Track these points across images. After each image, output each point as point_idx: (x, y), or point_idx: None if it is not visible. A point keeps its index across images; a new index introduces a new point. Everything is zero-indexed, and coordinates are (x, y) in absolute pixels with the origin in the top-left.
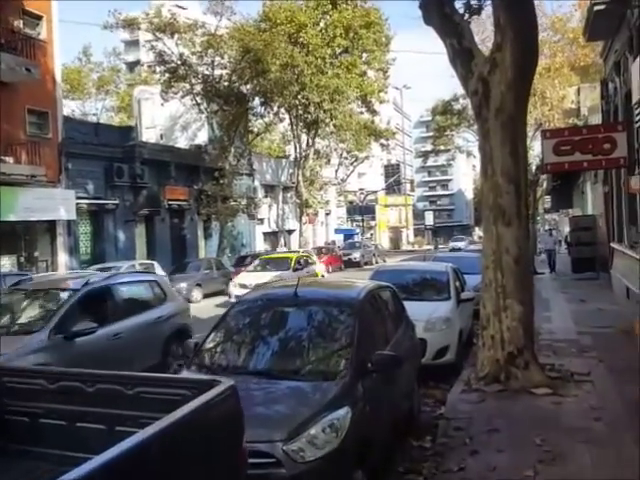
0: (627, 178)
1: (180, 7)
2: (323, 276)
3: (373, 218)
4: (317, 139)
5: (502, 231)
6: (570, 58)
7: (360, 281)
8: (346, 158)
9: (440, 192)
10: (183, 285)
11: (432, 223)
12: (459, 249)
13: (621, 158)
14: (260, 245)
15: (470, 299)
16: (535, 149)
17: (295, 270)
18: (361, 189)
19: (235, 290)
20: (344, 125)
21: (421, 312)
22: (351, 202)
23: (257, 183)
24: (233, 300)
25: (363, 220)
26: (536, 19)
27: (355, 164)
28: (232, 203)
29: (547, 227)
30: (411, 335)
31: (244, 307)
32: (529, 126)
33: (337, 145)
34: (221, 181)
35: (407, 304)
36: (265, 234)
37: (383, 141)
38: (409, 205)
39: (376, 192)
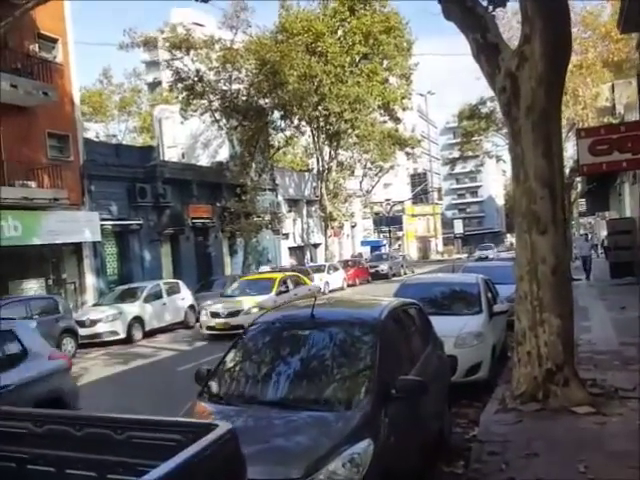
0: None
1: (197, 24)
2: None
3: (400, 229)
4: (340, 150)
5: (537, 239)
6: (603, 54)
7: (383, 298)
8: (370, 169)
9: (469, 199)
10: (209, 303)
11: (462, 231)
12: (486, 258)
13: None
14: (285, 260)
15: (503, 312)
16: (568, 150)
17: (279, 294)
18: (387, 200)
19: (207, 320)
20: (367, 135)
21: (451, 327)
22: (377, 213)
23: (280, 198)
24: (205, 332)
25: (390, 231)
26: (567, 6)
27: (380, 174)
28: (255, 219)
29: (582, 231)
30: (440, 354)
31: (257, 331)
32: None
33: (361, 156)
34: (243, 197)
35: (435, 319)
36: (290, 249)
37: (408, 150)
38: (437, 214)
39: (403, 202)
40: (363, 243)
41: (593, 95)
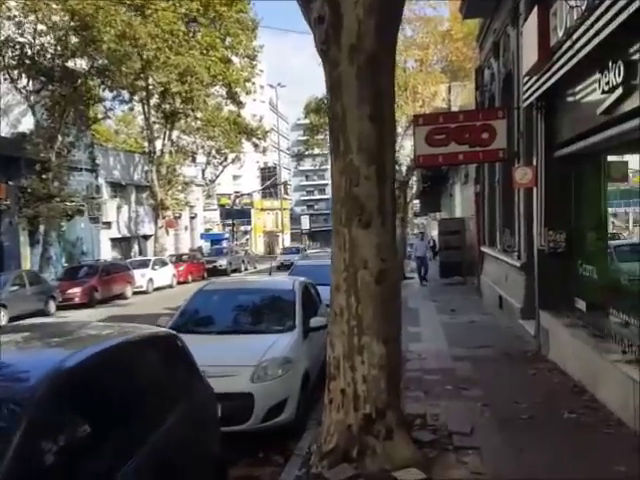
0: (512, 170)
1: None
2: None
3: (249, 222)
4: (182, 135)
5: (358, 235)
6: (442, 51)
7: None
8: (215, 157)
9: (317, 196)
10: None
11: (308, 227)
12: (291, 265)
13: (500, 150)
14: (107, 253)
15: (324, 326)
16: (407, 148)
17: None
18: (237, 192)
19: None
20: (211, 120)
21: (249, 353)
22: (223, 205)
23: (102, 180)
24: None
25: (234, 224)
26: None
27: (225, 164)
28: (62, 203)
29: (416, 231)
30: (203, 404)
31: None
32: (399, 125)
33: (204, 142)
34: (44, 176)
35: (230, 341)
36: (114, 240)
37: (256, 140)
38: (286, 209)
39: (251, 195)
40: (203, 236)
41: (432, 94)
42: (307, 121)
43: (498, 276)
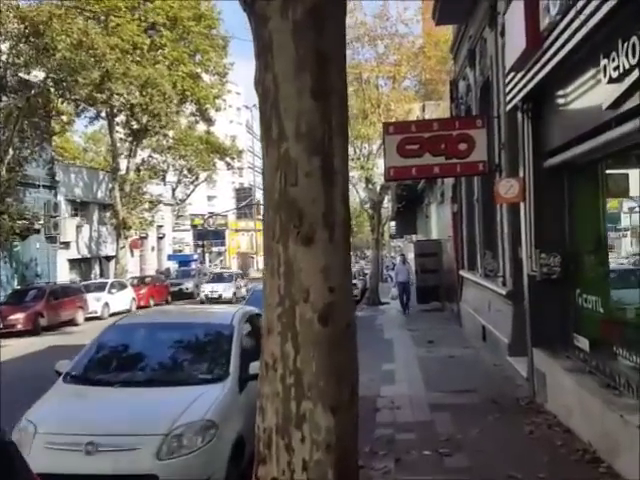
0: (494, 184)
1: None
2: None
3: (223, 244)
4: (155, 154)
5: (296, 254)
6: (416, 69)
7: None
8: (186, 176)
9: None
10: None
11: None
12: (219, 297)
13: (480, 162)
14: (64, 275)
15: None
16: (381, 167)
17: None
18: (211, 213)
19: None
20: (183, 139)
21: (159, 415)
22: (196, 226)
23: (61, 198)
24: None
25: (204, 245)
26: None
27: (196, 183)
28: (10, 221)
29: (393, 253)
30: None
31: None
32: (373, 140)
33: (176, 161)
34: None
35: (137, 396)
36: (72, 261)
37: (229, 160)
38: (260, 230)
39: (226, 215)
40: (171, 257)
41: (405, 111)
42: None
43: (480, 304)
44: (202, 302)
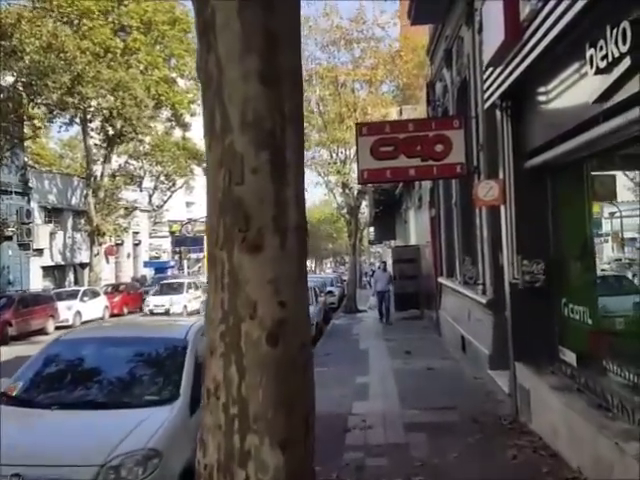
0: (473, 187)
1: None
2: None
3: (202, 250)
4: (131, 160)
5: (242, 263)
6: (392, 72)
7: None
8: (163, 182)
9: None
10: None
11: None
12: (167, 312)
13: (457, 164)
14: (38, 282)
15: None
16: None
17: None
18: (189, 219)
19: None
20: (159, 144)
21: (96, 442)
22: (173, 232)
23: (34, 204)
24: None
25: (181, 252)
26: None
27: (173, 189)
28: None
29: (372, 259)
30: None
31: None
32: (349, 144)
33: (152, 167)
34: None
35: (75, 420)
36: (46, 268)
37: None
38: None
39: (203, 222)
40: (146, 264)
41: (383, 115)
42: None
43: (459, 312)
44: (152, 314)
